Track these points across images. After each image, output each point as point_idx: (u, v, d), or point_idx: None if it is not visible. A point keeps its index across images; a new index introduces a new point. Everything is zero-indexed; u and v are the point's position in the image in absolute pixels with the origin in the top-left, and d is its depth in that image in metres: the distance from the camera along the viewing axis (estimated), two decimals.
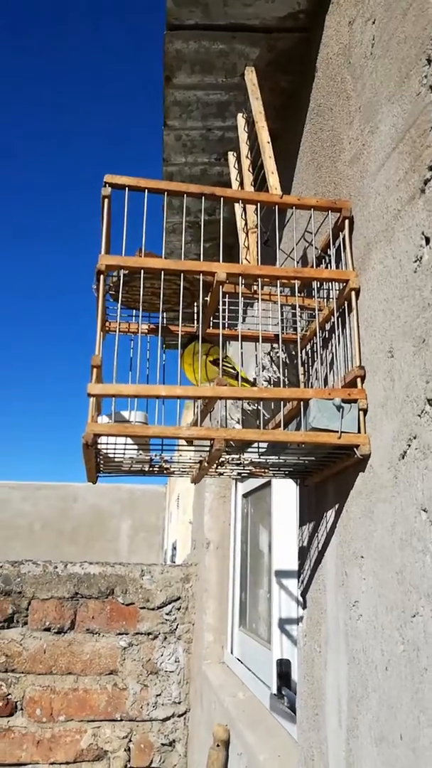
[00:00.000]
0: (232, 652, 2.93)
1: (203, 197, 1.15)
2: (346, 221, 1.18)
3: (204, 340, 1.26)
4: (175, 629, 3.38)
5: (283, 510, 2.33)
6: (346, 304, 1.16)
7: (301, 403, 1.07)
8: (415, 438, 0.89)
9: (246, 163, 1.35)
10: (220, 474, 1.24)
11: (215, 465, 1.13)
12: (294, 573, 2.24)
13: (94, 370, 1.01)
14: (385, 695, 0.92)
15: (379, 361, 1.03)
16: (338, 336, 1.20)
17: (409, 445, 0.90)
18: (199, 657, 3.08)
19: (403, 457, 0.92)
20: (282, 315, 1.41)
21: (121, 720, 3.28)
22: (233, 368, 1.33)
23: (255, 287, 1.25)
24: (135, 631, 3.36)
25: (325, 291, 1.29)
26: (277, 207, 1.17)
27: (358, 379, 1.08)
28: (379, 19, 1.13)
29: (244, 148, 1.38)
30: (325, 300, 1.27)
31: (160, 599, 3.38)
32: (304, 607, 1.36)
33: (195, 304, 1.25)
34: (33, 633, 3.32)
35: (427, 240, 0.90)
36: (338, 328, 1.19)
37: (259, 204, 1.16)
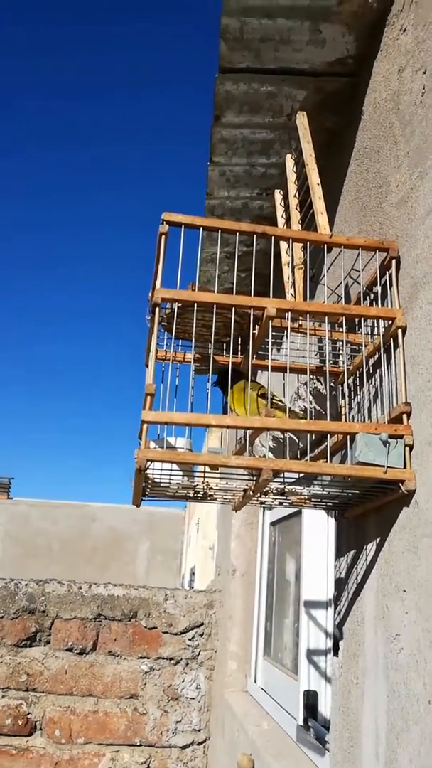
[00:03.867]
0: (255, 681, 2.91)
1: (255, 236, 1.20)
2: (393, 261, 1.22)
3: (243, 375, 1.30)
4: (197, 655, 3.37)
5: (313, 540, 2.34)
6: (392, 341, 1.19)
7: (348, 436, 1.10)
8: None
9: (294, 201, 1.40)
10: (262, 503, 1.27)
11: (259, 494, 1.16)
12: (323, 604, 2.24)
13: (148, 397, 1.05)
14: (427, 729, 0.94)
15: (425, 398, 1.06)
16: (382, 372, 1.23)
17: None
18: (221, 685, 3.07)
19: None
20: (323, 349, 1.44)
21: (140, 745, 3.27)
22: (281, 401, 1.36)
23: (301, 321, 1.29)
24: (157, 656, 3.35)
25: (368, 327, 1.33)
26: (326, 246, 1.21)
27: (404, 415, 1.11)
28: (430, 71, 1.18)
29: (292, 188, 1.42)
30: (369, 336, 1.31)
31: (183, 624, 3.38)
32: (341, 638, 1.37)
33: (240, 336, 1.29)
34: (55, 653, 3.33)
35: None
36: (383, 364, 1.22)
37: (308, 243, 1.21)
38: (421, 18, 1.25)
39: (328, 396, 1.49)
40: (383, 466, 1.06)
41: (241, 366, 1.32)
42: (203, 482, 1.21)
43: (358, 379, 1.34)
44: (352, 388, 1.41)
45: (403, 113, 1.30)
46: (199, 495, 1.22)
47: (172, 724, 3.30)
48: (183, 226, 1.18)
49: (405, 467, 1.08)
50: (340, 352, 1.35)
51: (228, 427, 1.06)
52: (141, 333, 1.34)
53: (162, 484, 1.19)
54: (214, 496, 1.24)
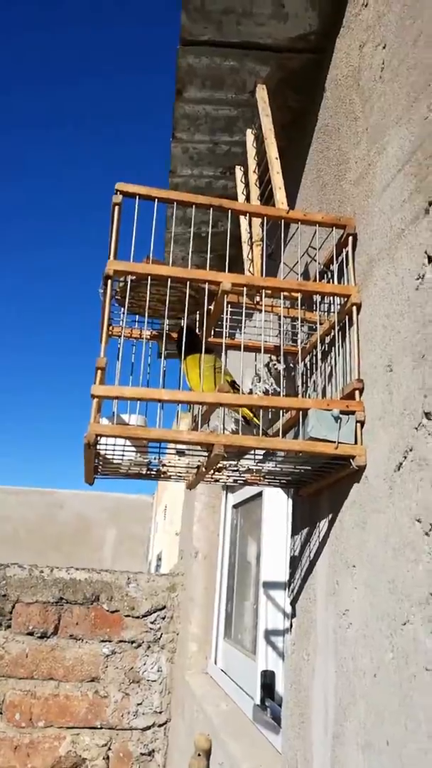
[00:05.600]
0: (215, 663, 2.93)
1: (211, 208, 1.18)
2: (350, 238, 1.21)
3: (207, 350, 1.28)
4: (159, 638, 3.37)
5: (273, 522, 2.35)
6: (347, 319, 1.19)
7: (300, 413, 1.10)
8: (411, 450, 0.91)
9: (253, 177, 1.38)
10: (216, 480, 1.26)
11: (213, 471, 1.15)
12: (282, 585, 2.25)
13: (99, 371, 1.03)
14: (372, 702, 0.94)
15: (378, 374, 1.06)
16: (338, 349, 1.23)
17: (405, 457, 0.93)
18: (182, 667, 3.08)
19: (398, 469, 0.95)
20: (282, 327, 1.43)
21: (101, 728, 3.27)
22: (234, 381, 1.35)
23: (257, 298, 1.27)
24: (119, 639, 3.35)
25: (325, 305, 1.32)
26: (283, 221, 1.20)
27: (357, 392, 1.11)
28: (389, 45, 1.17)
29: (252, 163, 1.41)
30: (326, 314, 1.30)
31: (145, 608, 3.38)
32: (294, 616, 1.37)
33: (198, 312, 1.27)
34: (16, 637, 3.30)
35: (430, 259, 0.92)
36: (338, 341, 1.21)
37: (265, 218, 1.19)
38: None
39: (282, 375, 1.48)
40: (334, 442, 1.06)
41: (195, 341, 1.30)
42: (157, 459, 1.20)
43: (314, 357, 1.34)
44: (308, 367, 1.40)
45: (363, 89, 1.29)
46: (152, 472, 1.21)
47: (134, 706, 3.31)
48: (138, 197, 1.15)
49: (356, 443, 1.08)
50: (298, 330, 1.34)
51: (180, 402, 1.05)
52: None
53: (114, 461, 1.17)
54: (168, 474, 1.23)
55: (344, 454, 1.06)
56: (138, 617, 3.39)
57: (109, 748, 3.26)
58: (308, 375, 1.42)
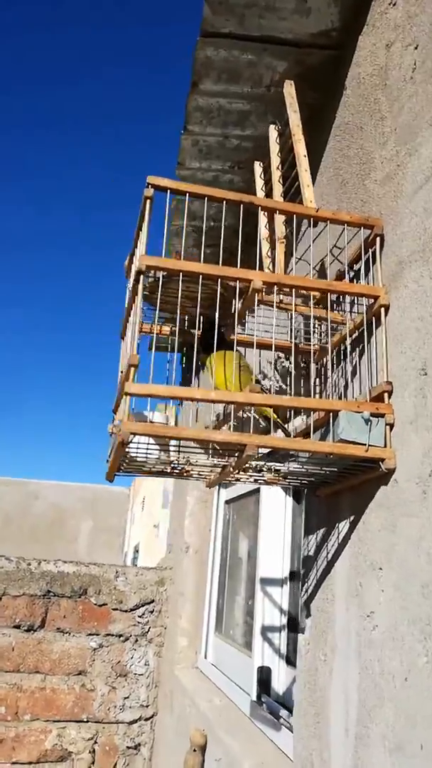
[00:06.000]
0: (206, 657, 2.93)
1: (242, 205, 1.17)
2: (378, 239, 1.21)
3: (231, 348, 1.27)
4: (147, 632, 3.36)
5: (270, 518, 2.34)
6: (374, 320, 1.18)
7: (330, 414, 1.09)
8: None
9: (276, 173, 1.37)
10: (237, 479, 1.25)
11: (238, 471, 1.14)
12: (279, 581, 2.25)
13: (131, 368, 1.01)
14: (403, 705, 0.94)
15: (409, 377, 1.06)
16: (362, 350, 1.22)
17: None
18: (170, 661, 3.07)
19: None
20: (293, 325, 1.42)
21: (88, 721, 3.25)
22: (258, 379, 1.34)
23: (280, 296, 1.26)
24: (106, 632, 3.33)
25: (346, 305, 1.31)
26: (312, 220, 1.19)
27: (386, 394, 1.10)
28: (422, 45, 1.16)
29: (275, 159, 1.39)
30: (348, 314, 1.30)
31: (133, 601, 3.36)
32: (308, 615, 1.37)
33: (221, 309, 1.25)
34: (2, 630, 3.26)
35: None
36: (363, 342, 1.21)
37: (295, 216, 1.18)
38: None
39: (290, 374, 1.47)
40: (364, 445, 1.06)
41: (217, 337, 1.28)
42: (178, 458, 1.18)
43: (333, 357, 1.33)
44: (328, 367, 1.40)
45: (391, 89, 1.28)
46: (175, 471, 1.19)
47: (120, 700, 3.30)
48: (168, 191, 1.13)
49: (385, 446, 1.07)
50: (315, 329, 1.34)
51: (212, 401, 1.03)
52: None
53: (138, 459, 1.15)
54: (190, 472, 1.22)
55: (374, 457, 1.06)
56: (126, 611, 3.37)
57: (96, 742, 3.25)
58: (324, 375, 1.42)
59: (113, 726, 3.27)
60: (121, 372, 1.25)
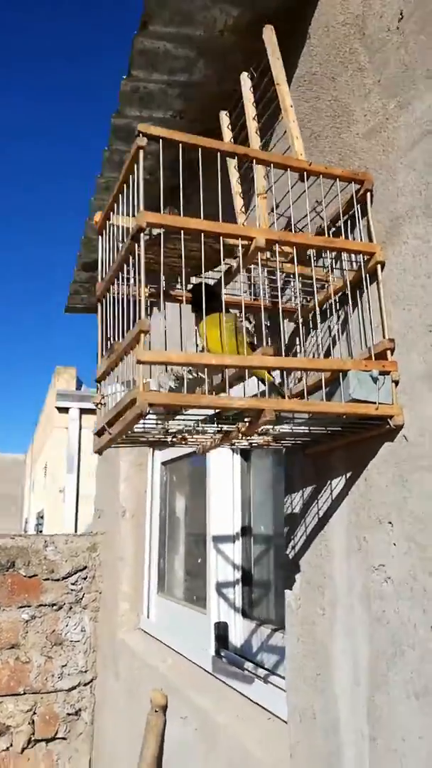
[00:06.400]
0: (149, 618, 2.93)
1: (236, 156, 1.11)
2: (368, 194, 1.19)
3: (215, 305, 1.22)
4: (81, 599, 3.31)
5: (220, 477, 2.35)
6: (367, 277, 1.17)
7: (335, 374, 1.08)
8: None
9: (253, 125, 1.31)
10: (231, 444, 1.22)
11: (244, 436, 1.11)
12: (231, 538, 2.27)
13: (142, 335, 0.95)
14: (428, 652, 0.98)
15: (416, 335, 1.07)
16: (351, 308, 1.22)
17: None
18: (111, 625, 3.05)
19: None
20: (263, 283, 1.40)
21: (25, 693, 3.18)
22: (252, 341, 1.30)
23: (265, 254, 1.22)
24: (38, 603, 3.25)
25: (338, 262, 1.30)
26: (305, 174, 1.15)
27: (388, 352, 1.11)
28: None
29: (251, 110, 1.33)
30: (330, 271, 1.28)
31: (65, 569, 3.29)
32: (298, 571, 1.39)
33: (212, 269, 1.20)
34: None
35: None
36: (351, 300, 1.20)
37: (289, 169, 1.14)
38: None
39: (252, 333, 1.45)
40: (374, 403, 1.06)
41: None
42: (196, 424, 1.14)
43: (317, 316, 1.32)
44: (311, 326, 1.39)
45: (371, 39, 1.25)
46: (175, 440, 1.15)
47: (58, 668, 3.25)
48: (161, 140, 1.05)
49: (392, 403, 1.08)
50: (293, 288, 1.31)
51: (227, 366, 0.99)
52: None
53: (137, 430, 1.10)
54: (188, 439, 1.17)
55: (383, 414, 1.07)
56: (58, 580, 3.30)
57: (35, 713, 3.20)
58: (303, 333, 1.41)
59: (52, 695, 3.23)
60: (109, 339, 1.18)
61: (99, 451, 1.18)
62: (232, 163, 1.42)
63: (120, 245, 1.21)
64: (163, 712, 2.20)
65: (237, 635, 2.21)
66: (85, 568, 3.33)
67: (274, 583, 2.20)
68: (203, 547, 2.49)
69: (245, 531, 2.29)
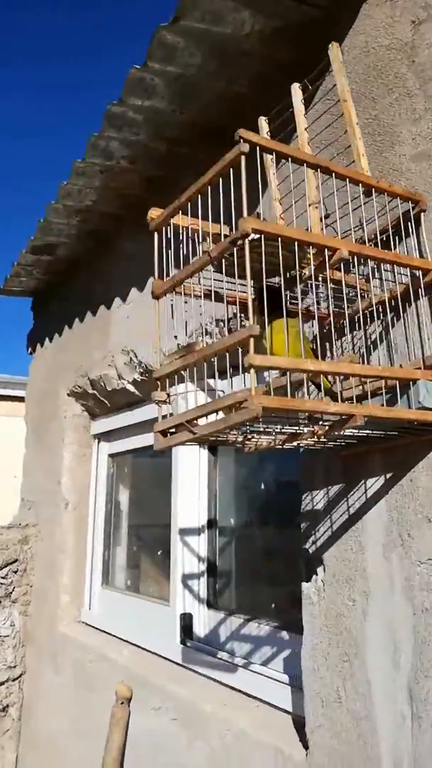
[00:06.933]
0: (90, 610, 2.90)
1: (318, 169, 1.15)
2: (422, 214, 1.28)
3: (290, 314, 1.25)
4: (11, 593, 3.20)
5: (187, 471, 2.38)
6: (422, 291, 1.26)
7: (398, 382, 1.16)
8: None
9: (304, 135, 1.35)
10: (282, 446, 1.26)
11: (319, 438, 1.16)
12: (196, 530, 2.31)
13: (252, 339, 0.97)
14: None
15: None
16: (399, 319, 1.30)
17: None
18: (47, 618, 2.98)
19: None
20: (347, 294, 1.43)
21: None
22: (314, 347, 1.34)
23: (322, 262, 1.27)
24: None
25: (389, 274, 1.38)
26: (372, 190, 1.22)
27: None
28: None
29: (303, 121, 1.37)
30: (395, 284, 1.35)
31: None
32: (321, 564, 1.46)
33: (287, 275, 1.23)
34: None
35: None
36: (411, 311, 1.29)
37: (364, 185, 1.20)
38: None
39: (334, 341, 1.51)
40: None
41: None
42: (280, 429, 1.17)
43: (363, 323, 1.39)
44: (340, 332, 1.46)
45: (423, 67, 1.34)
46: (241, 439, 1.17)
47: None
48: (258, 147, 1.07)
49: None
50: (339, 296, 1.37)
51: (323, 372, 1.04)
52: None
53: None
54: (244, 441, 1.21)
55: None
56: None
57: None
58: (332, 340, 1.48)
59: None
60: (176, 337, 1.18)
61: (160, 449, 1.19)
62: (271, 171, 1.45)
63: (181, 245, 1.22)
64: (128, 704, 2.20)
65: (202, 626, 2.26)
66: (15, 561, 3.22)
67: (240, 574, 2.27)
68: (162, 539, 2.50)
69: (211, 524, 2.33)
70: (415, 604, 1.23)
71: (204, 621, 2.26)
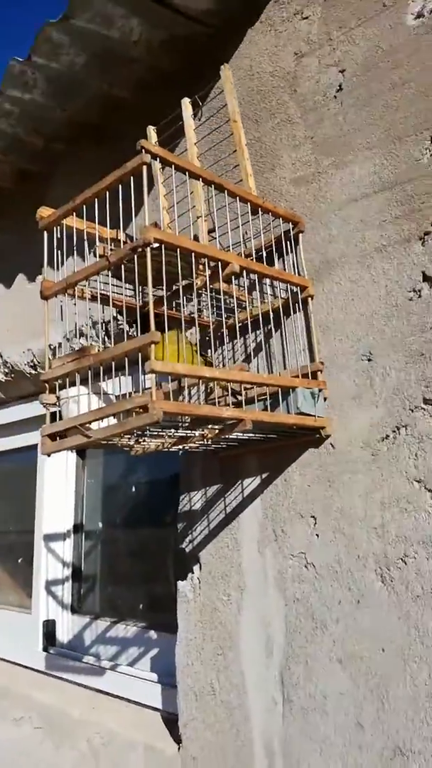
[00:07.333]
0: None
1: (212, 185, 1.21)
2: (300, 235, 1.38)
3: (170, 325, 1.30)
4: None
5: (53, 474, 2.34)
6: (299, 306, 1.36)
7: (282, 389, 1.25)
8: (405, 427, 1.18)
9: (193, 150, 1.39)
10: (168, 448, 1.30)
11: (207, 441, 1.21)
12: (62, 535, 2.29)
13: (153, 345, 1.00)
14: (355, 623, 1.20)
15: (347, 361, 1.28)
16: (277, 329, 1.40)
17: (396, 431, 1.19)
18: None
19: (384, 440, 1.20)
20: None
21: None
22: (206, 354, 1.38)
23: (203, 271, 1.33)
24: None
25: (267, 287, 1.46)
26: (259, 209, 1.29)
27: (318, 372, 1.31)
28: (352, 73, 1.36)
29: (192, 136, 1.40)
30: (261, 295, 1.44)
31: None
32: (196, 563, 1.51)
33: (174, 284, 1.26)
34: None
35: (425, 277, 1.19)
36: (278, 322, 1.38)
37: (252, 204, 1.27)
38: (334, 17, 1.41)
39: (126, 335, 1.56)
40: (314, 416, 1.25)
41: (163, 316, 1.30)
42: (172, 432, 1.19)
43: (238, 331, 1.47)
44: (219, 341, 1.52)
45: (304, 98, 1.45)
46: (129, 444, 1.19)
47: None
48: (158, 159, 1.11)
49: (323, 417, 1.29)
50: (218, 306, 1.44)
51: (215, 379, 1.09)
52: None
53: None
54: (132, 444, 1.23)
55: (317, 426, 1.27)
56: None
57: None
58: (212, 348, 1.54)
59: None
60: (69, 340, 1.18)
61: (46, 452, 1.18)
62: (161, 180, 1.49)
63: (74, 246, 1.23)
64: None
65: (66, 632, 2.23)
66: None
67: (107, 577, 2.27)
68: (23, 546, 2.44)
69: (77, 528, 2.31)
70: (287, 595, 1.32)
71: (68, 626, 2.23)
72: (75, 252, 1.27)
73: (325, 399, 1.31)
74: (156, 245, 1.06)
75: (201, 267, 1.24)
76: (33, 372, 2.27)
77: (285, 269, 1.40)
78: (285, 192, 1.46)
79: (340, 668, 1.21)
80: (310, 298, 1.36)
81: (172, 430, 1.20)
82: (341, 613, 1.23)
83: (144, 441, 1.24)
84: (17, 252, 2.39)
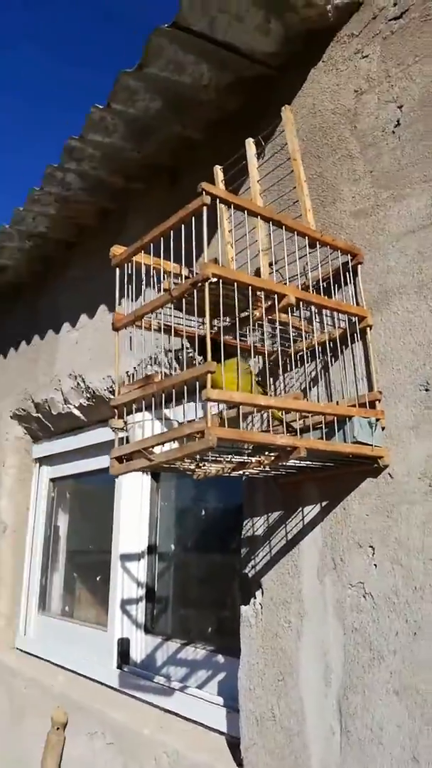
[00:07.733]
0: (25, 635, 2.87)
1: (271, 222, 1.26)
2: (359, 266, 1.41)
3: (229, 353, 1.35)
4: None
5: (130, 497, 2.42)
6: (356, 336, 1.38)
7: (335, 418, 1.27)
8: None
9: (256, 187, 1.46)
10: (229, 474, 1.34)
11: (264, 467, 1.25)
12: (137, 556, 2.36)
13: (209, 375, 1.06)
14: (412, 654, 1.19)
15: (405, 390, 1.29)
16: (336, 359, 1.42)
17: None
18: None
19: None
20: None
21: None
22: (260, 381, 1.44)
23: (266, 304, 1.37)
24: None
25: (327, 318, 1.50)
26: (317, 243, 1.34)
27: (377, 402, 1.32)
28: (409, 108, 1.38)
29: (255, 173, 1.48)
30: (334, 327, 1.46)
31: None
32: (258, 588, 1.54)
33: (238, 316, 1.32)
34: None
35: None
36: (342, 353, 1.40)
37: (310, 238, 1.31)
38: (393, 55, 1.44)
39: (194, 364, 1.61)
40: (371, 445, 1.26)
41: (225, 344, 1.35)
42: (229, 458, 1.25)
43: (299, 361, 1.50)
44: (286, 369, 1.56)
45: (364, 134, 1.48)
46: (190, 468, 1.25)
47: None
48: (218, 200, 1.17)
49: (381, 446, 1.29)
50: (279, 335, 1.48)
51: (270, 407, 1.13)
52: None
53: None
54: (194, 469, 1.28)
55: (375, 455, 1.28)
56: None
57: None
58: (275, 375, 1.58)
59: None
60: (136, 369, 1.25)
61: (115, 473, 1.25)
62: (226, 216, 1.56)
63: (143, 283, 1.31)
64: (63, 730, 2.20)
65: (139, 651, 2.30)
66: None
67: (178, 599, 2.32)
68: (101, 565, 2.53)
69: (151, 550, 2.38)
70: (346, 624, 1.32)
71: (141, 646, 2.30)
72: (144, 286, 1.36)
73: (383, 428, 1.31)
74: (214, 279, 1.12)
75: (259, 299, 1.29)
76: (111, 397, 2.38)
77: (344, 300, 1.43)
78: (345, 225, 1.49)
79: (397, 700, 1.20)
80: (368, 328, 1.38)
81: (230, 456, 1.24)
82: (398, 644, 1.22)
83: (204, 465, 1.29)
84: (99, 286, 2.53)
